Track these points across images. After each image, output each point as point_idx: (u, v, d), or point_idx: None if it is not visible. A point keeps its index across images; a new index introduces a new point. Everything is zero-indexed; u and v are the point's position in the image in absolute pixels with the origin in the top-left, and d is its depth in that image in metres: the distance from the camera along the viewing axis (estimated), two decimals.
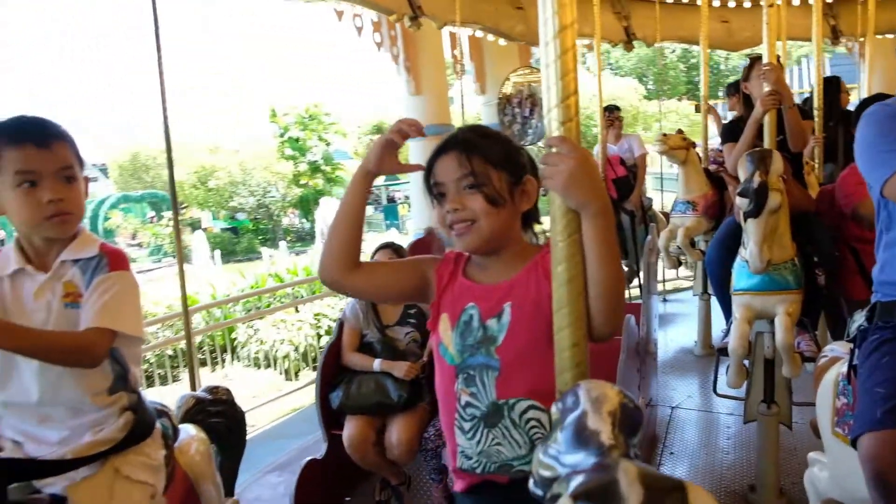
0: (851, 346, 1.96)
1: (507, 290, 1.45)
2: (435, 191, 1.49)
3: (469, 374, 1.46)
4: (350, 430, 3.08)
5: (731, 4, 7.65)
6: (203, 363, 5.71)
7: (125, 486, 1.62)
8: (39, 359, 1.50)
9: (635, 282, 6.08)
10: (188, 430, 2.03)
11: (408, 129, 1.46)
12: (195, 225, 25.63)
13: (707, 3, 5.73)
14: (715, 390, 3.61)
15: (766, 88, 3.19)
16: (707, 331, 5.38)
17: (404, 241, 6.03)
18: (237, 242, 25.01)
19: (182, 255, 2.93)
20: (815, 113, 4.51)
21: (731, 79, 9.21)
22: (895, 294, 1.79)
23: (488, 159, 1.44)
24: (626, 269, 6.39)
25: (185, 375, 6.09)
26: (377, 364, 3.15)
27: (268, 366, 7.08)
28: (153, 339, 5.42)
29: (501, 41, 6.79)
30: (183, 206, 26.66)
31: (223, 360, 6.94)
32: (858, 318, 1.91)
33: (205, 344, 6.75)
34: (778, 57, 3.44)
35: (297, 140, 27.69)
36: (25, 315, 1.56)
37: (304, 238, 25.89)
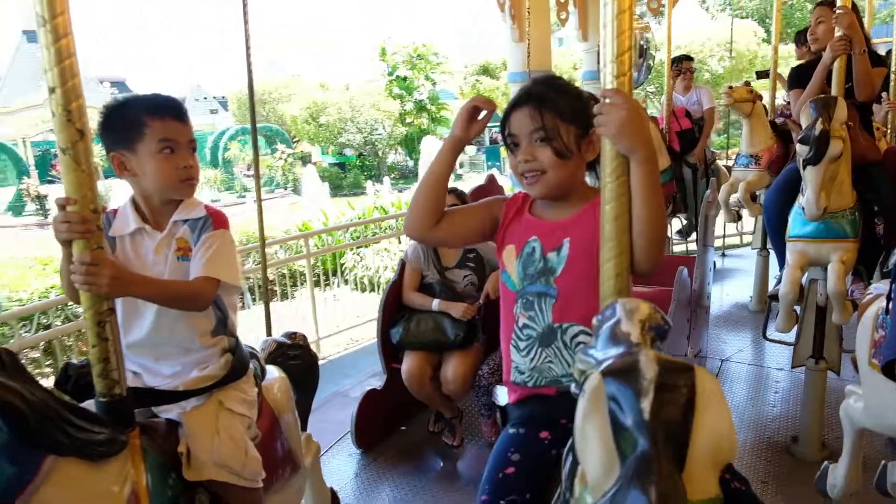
0: (890, 280, 2.00)
1: (568, 227, 1.59)
2: (509, 140, 1.63)
3: (528, 299, 1.63)
4: (408, 364, 3.29)
5: None
6: (316, 283, 6.21)
7: (227, 416, 1.87)
8: (162, 304, 1.75)
9: (694, 235, 6.07)
10: (272, 371, 2.30)
11: (483, 105, 1.62)
12: (306, 159, 26.89)
13: None
14: (765, 335, 3.67)
15: (838, 33, 3.13)
16: (763, 286, 5.37)
17: (505, 182, 6.20)
18: (344, 177, 25.94)
19: (260, 191, 3.10)
20: (893, 77, 4.34)
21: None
22: None
23: (559, 113, 1.55)
24: (685, 222, 6.37)
25: (300, 293, 6.67)
26: (436, 304, 3.33)
27: (371, 290, 7.63)
28: (274, 258, 5.93)
29: None
30: (294, 140, 28.29)
31: (332, 283, 7.57)
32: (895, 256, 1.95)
33: (317, 266, 7.39)
34: (853, 3, 3.33)
35: (404, 79, 28.16)
36: (147, 268, 1.80)
37: (407, 175, 26.67)
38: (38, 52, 1.51)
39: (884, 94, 4.46)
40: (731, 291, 6.05)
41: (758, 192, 5.09)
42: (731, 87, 4.96)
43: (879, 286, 2.40)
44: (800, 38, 5.52)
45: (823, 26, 3.41)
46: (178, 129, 1.79)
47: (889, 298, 1.97)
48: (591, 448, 0.90)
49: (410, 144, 27.50)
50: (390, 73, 28.30)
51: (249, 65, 2.94)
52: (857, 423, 2.52)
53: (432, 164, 1.67)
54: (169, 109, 1.79)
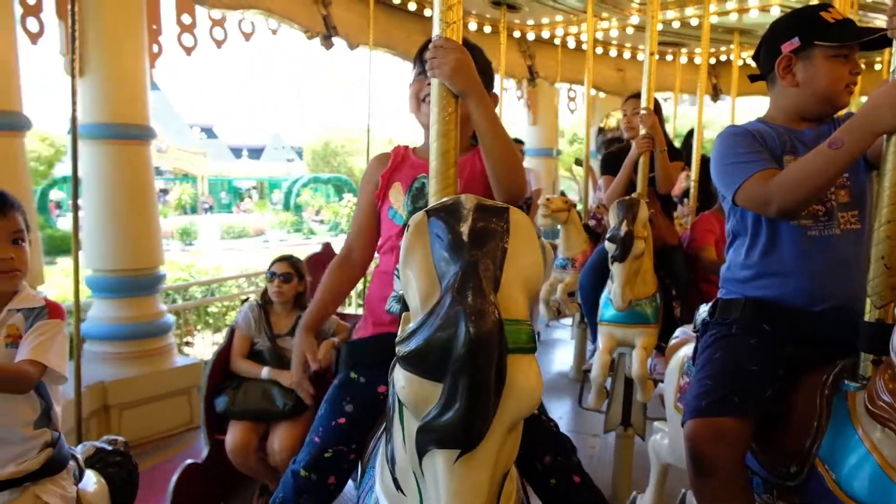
0: (696, 335, 2.20)
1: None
2: (424, 66, 1.70)
3: None
4: (233, 434, 3.15)
5: (627, 55, 8.24)
6: None
7: None
8: None
9: None
10: (90, 475, 2.17)
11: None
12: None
13: (592, 49, 6.17)
14: (581, 404, 3.93)
15: (642, 132, 3.54)
16: (581, 358, 5.75)
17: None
18: None
19: (77, 249, 2.94)
20: (693, 186, 4.89)
21: None
22: (735, 292, 2.02)
23: (477, 60, 1.60)
24: None
25: None
26: (265, 372, 3.24)
27: None
28: None
29: None
30: None
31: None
32: (703, 311, 2.14)
33: None
34: (656, 101, 3.77)
35: None
36: None
37: None
38: None
39: (685, 200, 5.05)
40: (555, 360, 6.40)
41: (575, 291, 5.48)
42: (548, 199, 5.38)
43: (687, 330, 2.60)
44: (600, 147, 6.11)
45: (636, 117, 3.81)
46: None
47: (695, 351, 2.14)
48: (413, 279, 0.93)
49: None
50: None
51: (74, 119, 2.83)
52: (662, 459, 2.75)
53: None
54: None
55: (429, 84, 1.66)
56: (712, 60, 8.61)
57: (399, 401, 1.04)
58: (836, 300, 1.85)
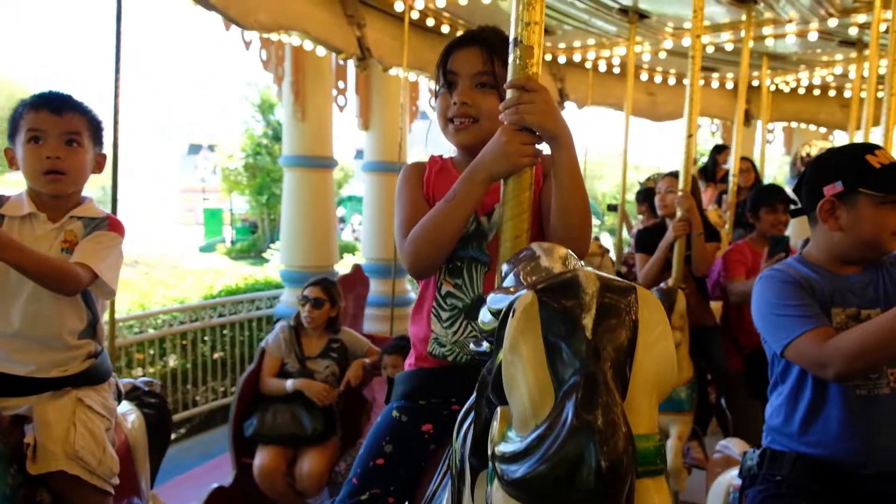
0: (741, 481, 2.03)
1: (500, 189, 1.40)
2: (447, 78, 1.51)
3: (456, 265, 1.49)
4: (261, 459, 3.12)
5: (658, 79, 8.18)
6: None
7: (86, 411, 1.83)
8: (31, 276, 1.70)
9: None
10: (128, 406, 2.18)
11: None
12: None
13: (632, 76, 6.14)
14: None
15: (679, 214, 3.42)
16: None
17: None
18: None
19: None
20: (732, 181, 5.06)
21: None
22: (783, 444, 1.89)
23: (506, 65, 1.39)
24: None
25: None
26: (290, 384, 3.20)
27: None
28: None
29: None
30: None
31: None
32: (750, 458, 1.98)
33: None
34: (693, 181, 3.64)
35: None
36: None
37: None
38: None
39: (724, 195, 5.06)
40: None
41: None
42: None
43: (731, 447, 2.47)
44: (639, 197, 5.95)
45: (671, 196, 3.66)
46: (49, 121, 1.79)
47: (741, 495, 2.01)
48: (521, 376, 0.76)
49: None
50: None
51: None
52: None
53: (464, 199, 1.39)
54: (45, 101, 1.81)
55: (455, 103, 1.49)
56: None
57: (474, 477, 0.93)
58: (886, 464, 1.73)
